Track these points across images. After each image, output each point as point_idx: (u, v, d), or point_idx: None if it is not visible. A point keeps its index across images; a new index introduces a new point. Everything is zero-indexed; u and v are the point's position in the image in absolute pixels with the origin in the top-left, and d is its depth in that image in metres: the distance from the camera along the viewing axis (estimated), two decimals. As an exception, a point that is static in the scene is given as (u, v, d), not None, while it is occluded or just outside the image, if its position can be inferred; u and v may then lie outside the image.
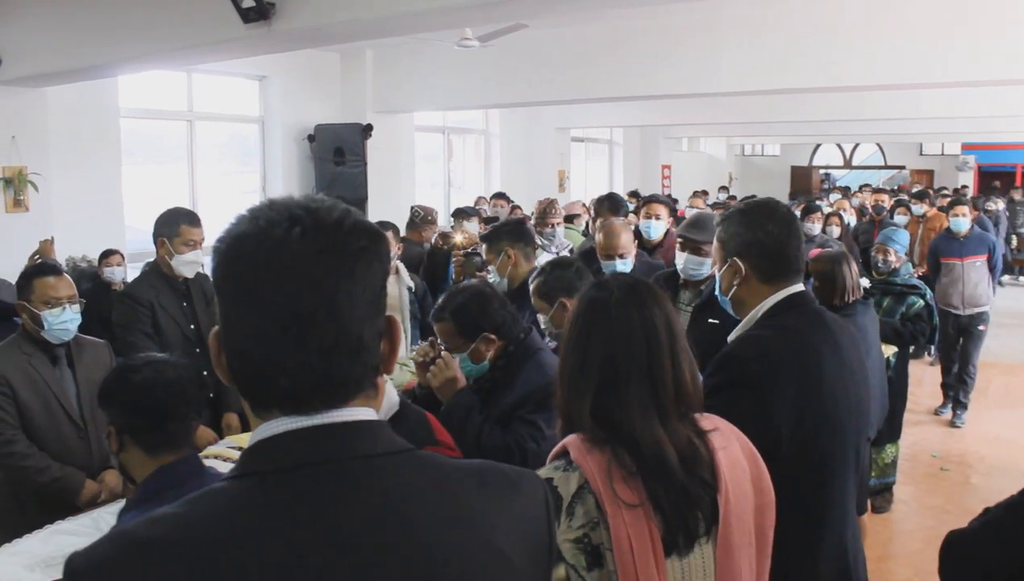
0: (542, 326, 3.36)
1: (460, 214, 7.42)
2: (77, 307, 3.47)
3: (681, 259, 3.88)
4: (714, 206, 10.81)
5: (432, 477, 1.01)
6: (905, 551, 5.06)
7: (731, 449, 1.69)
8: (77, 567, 0.91)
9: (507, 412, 2.87)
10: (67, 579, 0.92)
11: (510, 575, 1.02)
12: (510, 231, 4.16)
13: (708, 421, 1.72)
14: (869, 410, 2.23)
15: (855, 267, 4.61)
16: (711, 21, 8.01)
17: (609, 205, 6.04)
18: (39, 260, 5.67)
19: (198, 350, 3.99)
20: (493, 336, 2.97)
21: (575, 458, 1.62)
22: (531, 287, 3.42)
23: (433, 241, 6.55)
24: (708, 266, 3.72)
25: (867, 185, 17.67)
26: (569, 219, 7.57)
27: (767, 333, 2.15)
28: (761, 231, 2.23)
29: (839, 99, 11.10)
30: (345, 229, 0.99)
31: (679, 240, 3.93)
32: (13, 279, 5.43)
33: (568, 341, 1.76)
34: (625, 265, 4.31)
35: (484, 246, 4.15)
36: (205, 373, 4.09)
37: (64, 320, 3.41)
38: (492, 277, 4.09)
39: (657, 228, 5.35)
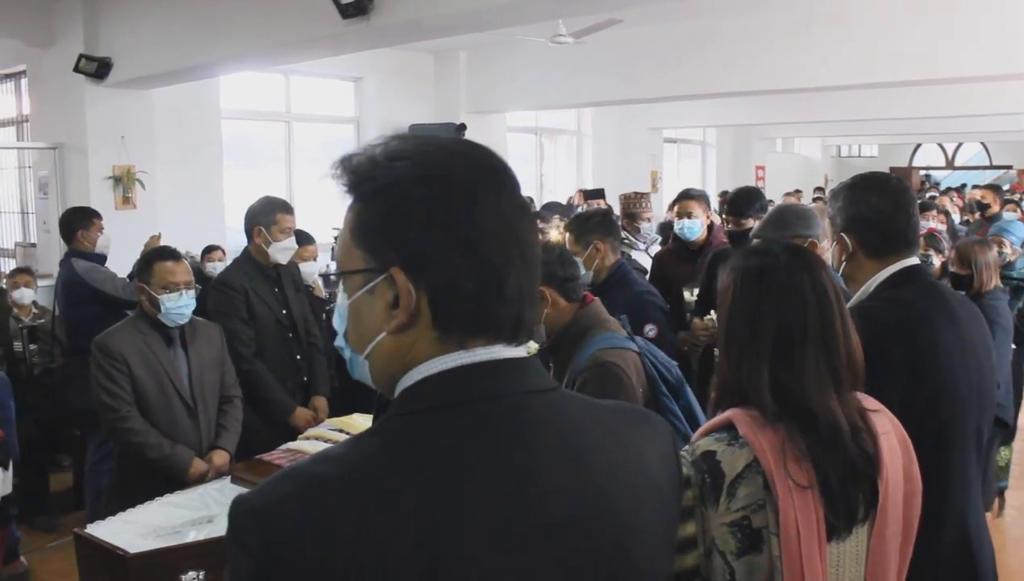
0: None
1: (550, 208, 7.35)
2: (193, 293, 3.55)
3: None
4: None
5: (586, 411, 1.04)
6: (1017, 560, 4.84)
7: (891, 435, 1.62)
8: (254, 506, 0.89)
9: None
10: (239, 519, 0.89)
11: (666, 505, 1.05)
12: (600, 223, 3.99)
13: (869, 401, 1.65)
14: (993, 388, 2.13)
15: (995, 254, 4.54)
16: (807, 15, 7.86)
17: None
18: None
19: (291, 335, 4.06)
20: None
21: (745, 434, 1.55)
22: None
23: None
24: None
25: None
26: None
27: (876, 304, 2.08)
28: (864, 205, 2.16)
29: (940, 93, 10.74)
30: (519, 189, 1.03)
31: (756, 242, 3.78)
32: (122, 273, 5.63)
33: (733, 311, 1.68)
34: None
35: (569, 237, 4.00)
36: (298, 357, 4.21)
37: (180, 305, 3.49)
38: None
39: (692, 228, 4.88)
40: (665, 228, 9.39)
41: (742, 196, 4.78)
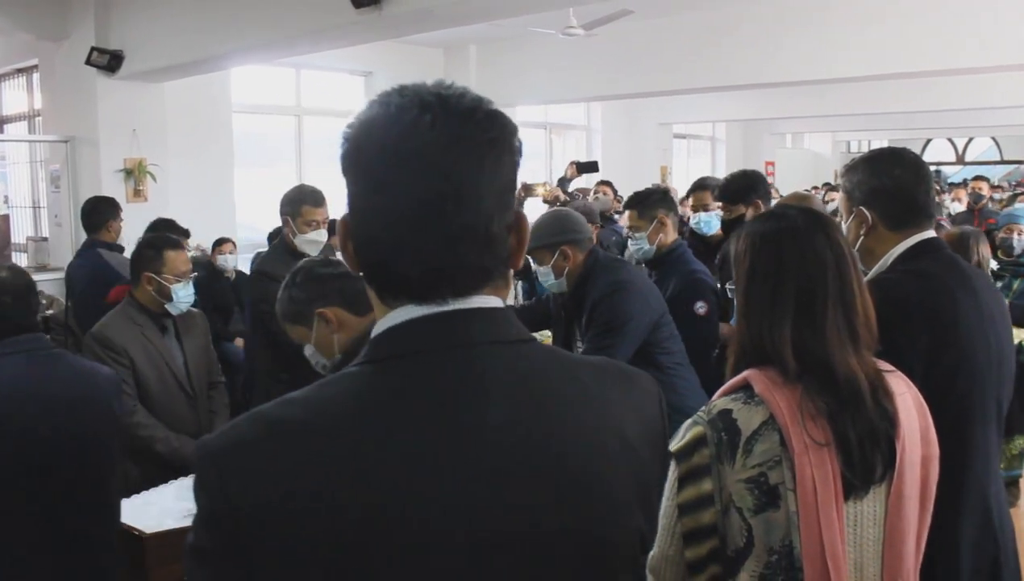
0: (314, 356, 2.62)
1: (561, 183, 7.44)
2: (192, 280, 3.56)
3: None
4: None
5: (559, 365, 1.02)
6: (1034, 547, 4.80)
7: (905, 396, 1.64)
8: (212, 448, 0.91)
9: None
10: (201, 461, 0.90)
11: (638, 463, 1.02)
12: (662, 198, 4.01)
13: (883, 363, 1.66)
14: (1011, 360, 2.12)
15: (986, 246, 4.46)
16: (820, 4, 7.83)
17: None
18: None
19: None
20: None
21: (761, 392, 1.57)
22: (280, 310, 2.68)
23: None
24: (550, 275, 3.39)
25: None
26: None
27: (894, 276, 2.08)
28: (887, 177, 2.15)
29: (951, 87, 10.73)
30: (476, 118, 0.97)
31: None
32: (133, 266, 5.63)
33: (753, 275, 1.68)
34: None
35: (631, 212, 4.00)
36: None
37: (189, 293, 3.49)
38: (638, 244, 3.95)
39: (709, 221, 4.69)
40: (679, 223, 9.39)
41: (736, 180, 4.28)
